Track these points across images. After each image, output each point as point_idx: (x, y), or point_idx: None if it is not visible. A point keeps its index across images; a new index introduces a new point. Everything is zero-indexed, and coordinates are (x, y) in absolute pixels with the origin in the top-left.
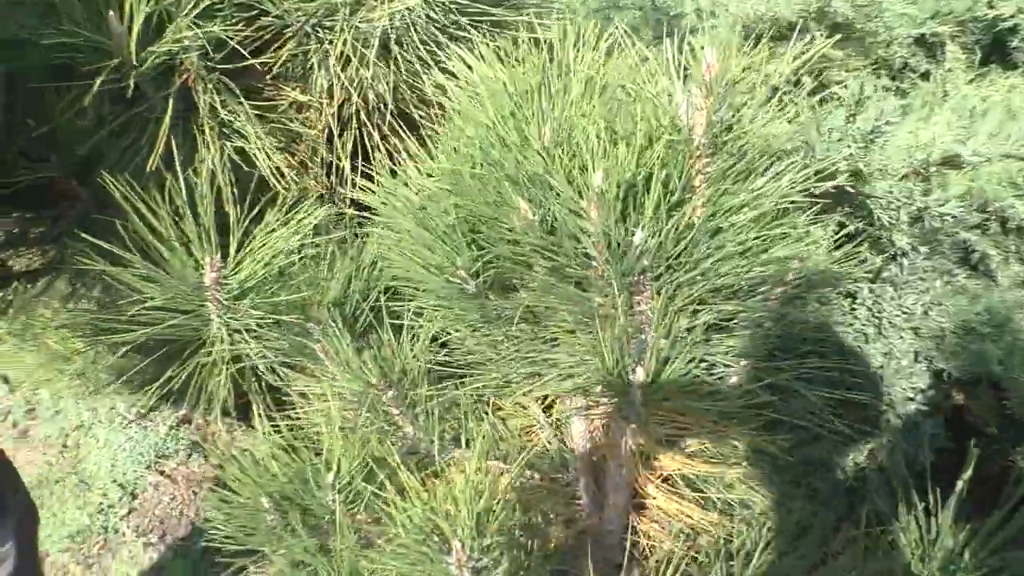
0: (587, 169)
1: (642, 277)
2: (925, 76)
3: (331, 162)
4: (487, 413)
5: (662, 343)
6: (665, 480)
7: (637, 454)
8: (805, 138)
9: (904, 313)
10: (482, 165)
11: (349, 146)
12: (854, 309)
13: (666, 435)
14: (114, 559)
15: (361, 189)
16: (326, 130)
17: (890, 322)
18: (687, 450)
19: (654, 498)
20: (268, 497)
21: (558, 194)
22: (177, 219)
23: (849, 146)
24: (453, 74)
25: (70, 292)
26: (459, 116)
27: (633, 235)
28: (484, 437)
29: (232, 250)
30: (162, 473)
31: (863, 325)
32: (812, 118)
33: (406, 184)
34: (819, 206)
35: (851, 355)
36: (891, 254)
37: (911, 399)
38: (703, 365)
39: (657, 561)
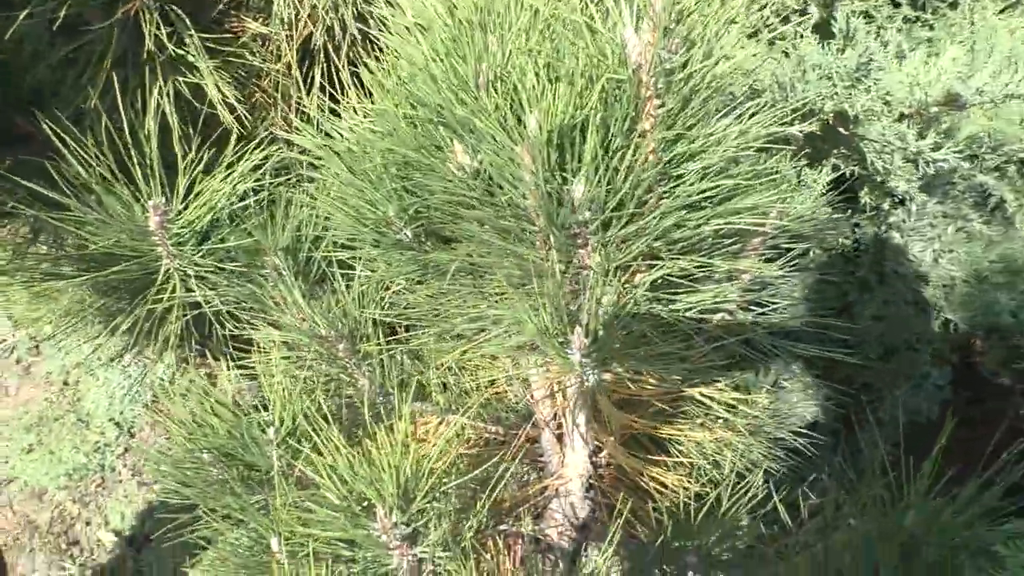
0: (524, 111)
1: (583, 231)
2: (953, 5)
3: (296, 100)
4: (450, 366)
5: (602, 301)
6: (630, 440)
7: (595, 412)
8: (778, 77)
9: (910, 261)
10: (414, 106)
11: (318, 80)
12: (857, 257)
13: (627, 395)
14: (109, 497)
15: (296, 131)
16: (289, 65)
17: (895, 271)
18: (651, 410)
19: (614, 458)
20: (209, 452)
21: (494, 139)
22: (125, 159)
23: (835, 84)
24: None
25: (32, 233)
26: (393, 52)
27: (571, 185)
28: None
29: (180, 192)
30: (159, 412)
31: (865, 274)
32: (792, 53)
33: (339, 128)
34: (805, 150)
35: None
36: (898, 198)
37: (915, 350)
38: (657, 324)
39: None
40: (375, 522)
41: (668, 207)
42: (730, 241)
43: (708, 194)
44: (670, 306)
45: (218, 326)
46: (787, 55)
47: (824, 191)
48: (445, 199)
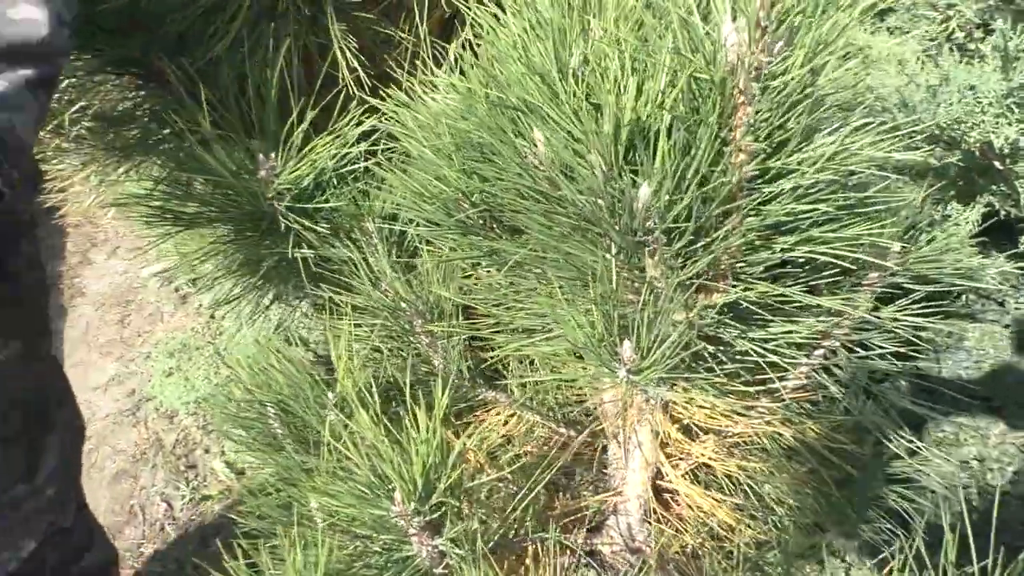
0: (600, 105)
1: (647, 238)
2: None
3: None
4: (532, 360)
5: (658, 317)
6: (699, 470)
7: (658, 435)
8: (904, 95)
9: None
10: (498, 87)
11: (451, 54)
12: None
13: (697, 421)
14: None
15: (386, 98)
16: (419, 37)
17: None
18: (728, 443)
19: (676, 484)
20: (273, 406)
21: (566, 129)
22: (247, 112)
23: (983, 111)
24: None
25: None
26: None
27: (638, 187)
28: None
29: (291, 149)
30: (224, 360)
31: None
32: (927, 70)
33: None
34: (958, 183)
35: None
36: None
37: None
38: (725, 349)
39: (676, 552)
40: (394, 505)
41: (749, 226)
42: (831, 273)
43: (799, 218)
44: (748, 334)
45: (311, 284)
46: (922, 69)
47: (973, 230)
48: (511, 186)
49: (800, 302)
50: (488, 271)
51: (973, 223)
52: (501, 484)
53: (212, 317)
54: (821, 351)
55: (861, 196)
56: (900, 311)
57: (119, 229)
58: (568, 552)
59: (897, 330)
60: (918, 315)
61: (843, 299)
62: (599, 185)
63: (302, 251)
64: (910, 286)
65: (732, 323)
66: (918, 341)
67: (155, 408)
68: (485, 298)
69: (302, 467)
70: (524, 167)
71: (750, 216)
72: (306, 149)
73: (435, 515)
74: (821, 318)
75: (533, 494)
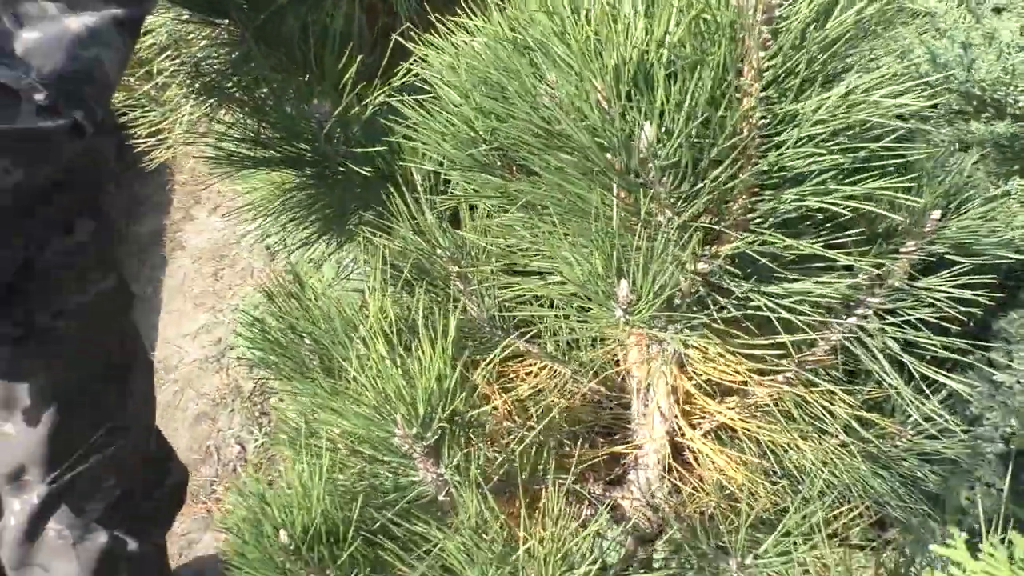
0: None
1: (649, 179)
2: None
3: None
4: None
5: (655, 258)
6: (721, 430)
7: (678, 391)
8: (935, 51)
9: None
10: (515, 29)
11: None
12: None
13: (714, 379)
14: None
15: (426, 44)
16: None
17: None
18: (749, 402)
19: (693, 442)
20: (307, 337)
21: (571, 67)
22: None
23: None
24: None
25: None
26: None
27: (642, 128)
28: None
29: (347, 96)
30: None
31: None
32: (967, 28)
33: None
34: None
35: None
36: None
37: None
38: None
39: (695, 511)
40: (397, 428)
41: (755, 172)
42: (856, 233)
43: (812, 168)
44: (763, 288)
45: (357, 228)
46: (956, 22)
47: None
48: (524, 125)
49: (816, 256)
50: (505, 213)
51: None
52: (523, 431)
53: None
54: (853, 319)
55: (885, 151)
56: (942, 283)
57: (222, 189)
58: (585, 502)
59: (936, 302)
60: (961, 287)
61: (866, 258)
62: (598, 122)
63: (351, 194)
64: (954, 258)
65: (738, 273)
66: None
67: (236, 357)
68: (504, 241)
69: (327, 393)
70: (533, 105)
71: (759, 163)
72: (363, 94)
73: (435, 440)
74: (847, 280)
75: (537, 433)
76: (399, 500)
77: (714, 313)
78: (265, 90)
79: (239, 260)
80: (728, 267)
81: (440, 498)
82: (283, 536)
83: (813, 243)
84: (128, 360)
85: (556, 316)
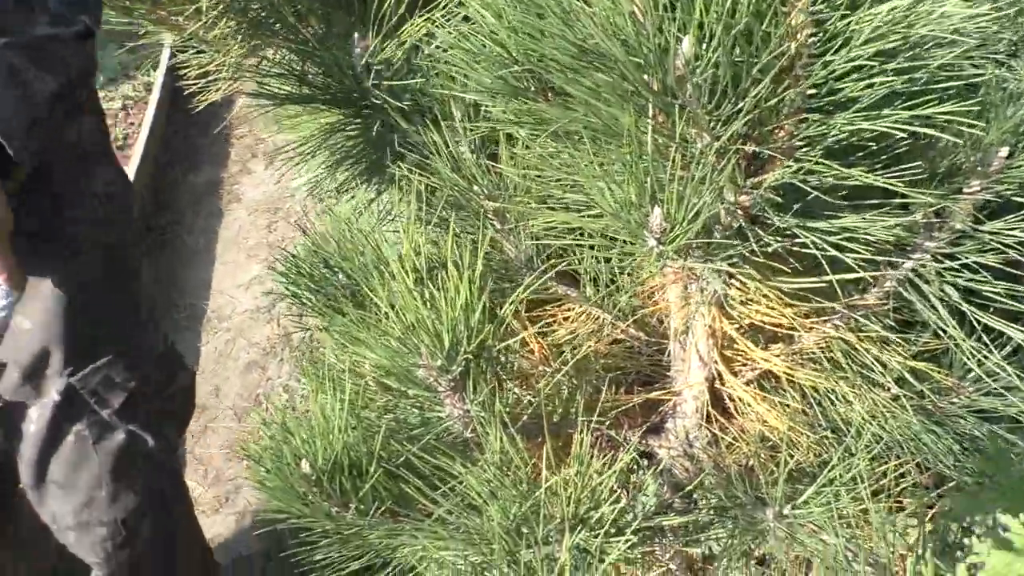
0: None
1: (687, 100)
2: None
3: None
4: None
5: (692, 184)
6: (764, 377)
7: (717, 335)
8: None
9: None
10: None
11: None
12: None
13: (756, 322)
14: None
15: None
16: None
17: None
18: (792, 346)
19: (734, 389)
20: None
21: None
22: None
23: None
24: None
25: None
26: None
27: (680, 42)
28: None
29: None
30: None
31: None
32: None
33: None
34: None
35: None
36: None
37: None
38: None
39: (734, 462)
40: (422, 360)
41: (800, 92)
42: (913, 167)
43: (862, 91)
44: (808, 223)
45: (398, 166)
46: None
47: None
48: (559, 44)
49: (869, 191)
50: (536, 143)
51: None
52: (555, 374)
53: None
54: (909, 263)
55: (946, 74)
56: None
57: (278, 142)
58: (620, 448)
59: (1002, 247)
60: None
61: (926, 194)
62: (632, 37)
63: (390, 132)
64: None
65: (782, 204)
66: None
67: (287, 307)
68: (539, 174)
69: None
70: (567, 21)
71: (805, 83)
72: (406, 31)
73: (459, 373)
74: (903, 219)
75: (569, 376)
76: (424, 436)
77: (754, 246)
78: (311, 28)
79: (292, 213)
80: (771, 197)
81: (467, 435)
82: (304, 466)
83: (867, 174)
84: (137, 266)
85: (591, 247)
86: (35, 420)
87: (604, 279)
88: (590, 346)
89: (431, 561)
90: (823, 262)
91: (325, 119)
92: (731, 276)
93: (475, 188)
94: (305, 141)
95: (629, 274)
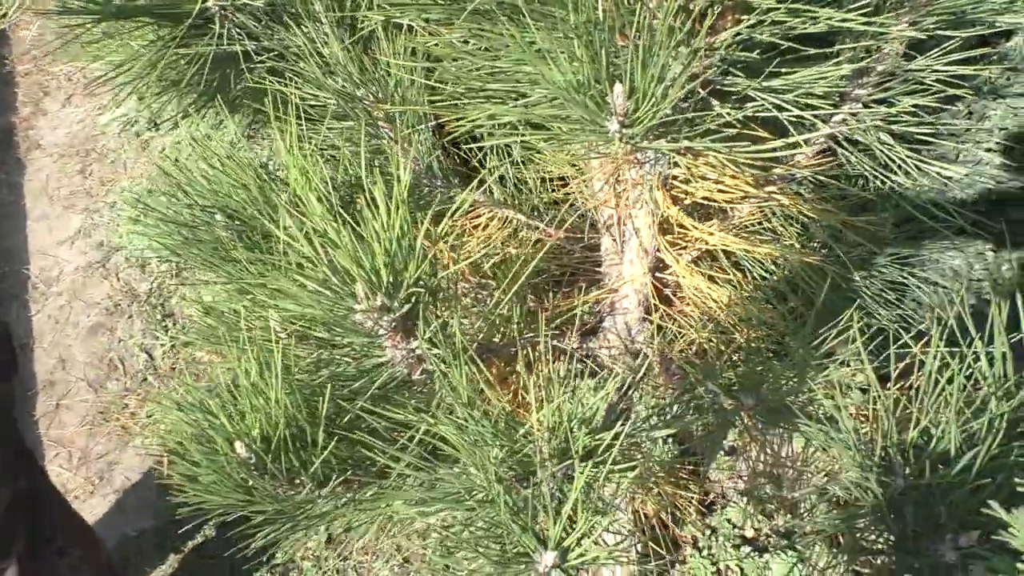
0: None
1: None
2: None
3: None
4: (508, 152)
5: (653, 51)
6: (704, 258)
7: (657, 217)
8: None
9: None
10: None
11: None
12: None
13: (701, 200)
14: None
15: None
16: None
17: None
18: (731, 221)
19: (677, 275)
20: (222, 212)
21: None
22: None
23: None
24: None
25: None
26: None
27: None
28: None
29: None
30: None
31: None
32: None
33: None
34: None
35: None
36: None
37: None
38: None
39: (680, 351)
40: (357, 303)
41: None
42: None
43: None
44: (763, 82)
45: (253, 79)
46: None
47: None
48: None
49: (814, 40)
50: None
51: None
52: (483, 291)
53: (176, 161)
54: (840, 116)
55: None
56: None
57: (72, 76)
58: (563, 356)
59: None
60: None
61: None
62: None
63: (241, 42)
64: (944, 34)
65: (739, 71)
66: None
67: (124, 258)
68: (449, 64)
69: (256, 276)
70: None
71: None
72: None
73: (406, 310)
74: (845, 68)
75: (512, 292)
76: (368, 387)
77: (725, 114)
78: None
79: (107, 153)
80: (732, 56)
81: (415, 377)
82: (240, 448)
83: (814, 14)
84: None
85: (533, 136)
86: None
87: (510, 176)
88: (509, 253)
89: (404, 519)
90: (781, 123)
91: (143, 39)
92: (687, 153)
93: (358, 92)
94: (120, 68)
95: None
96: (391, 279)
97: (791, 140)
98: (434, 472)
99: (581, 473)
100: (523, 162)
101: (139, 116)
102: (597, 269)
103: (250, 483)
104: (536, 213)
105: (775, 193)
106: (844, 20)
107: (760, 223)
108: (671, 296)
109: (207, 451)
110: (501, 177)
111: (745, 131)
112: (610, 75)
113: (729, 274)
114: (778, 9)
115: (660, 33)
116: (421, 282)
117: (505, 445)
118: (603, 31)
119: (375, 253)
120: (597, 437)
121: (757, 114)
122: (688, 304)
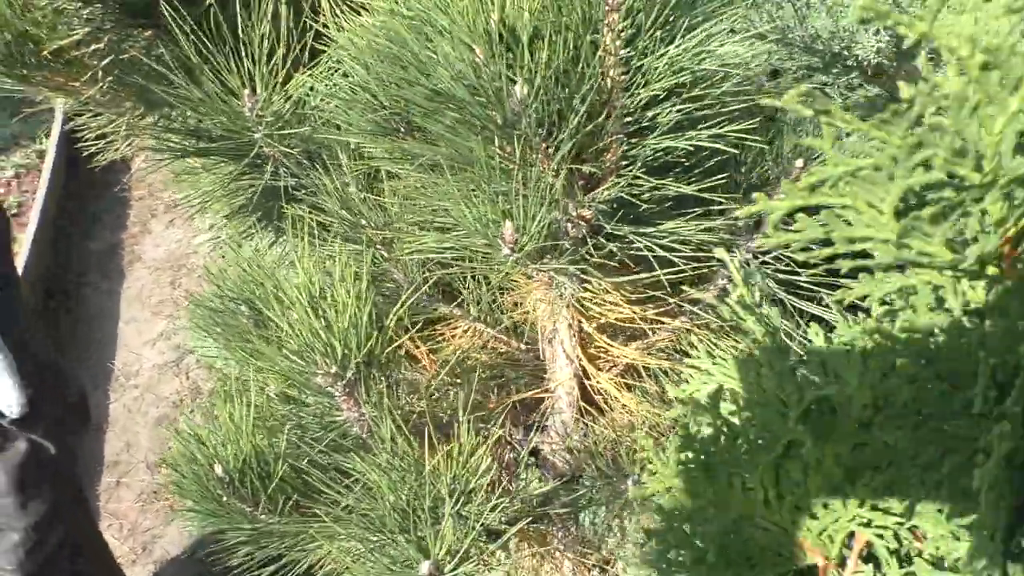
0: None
1: (527, 132)
2: None
3: None
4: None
5: (532, 199)
6: (627, 371)
7: (577, 333)
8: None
9: None
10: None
11: None
12: None
13: (616, 321)
14: None
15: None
16: None
17: None
18: (645, 341)
19: (598, 382)
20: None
21: (451, 34)
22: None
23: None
24: None
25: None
26: None
27: (513, 85)
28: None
29: (275, 86)
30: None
31: None
32: None
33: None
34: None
35: None
36: None
37: None
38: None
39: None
40: (318, 369)
41: (616, 121)
42: (721, 178)
43: (668, 116)
44: (640, 229)
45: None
46: None
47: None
48: (418, 91)
49: (691, 201)
50: (407, 176)
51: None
52: (444, 384)
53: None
54: (736, 262)
55: (732, 98)
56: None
57: (176, 202)
58: (508, 446)
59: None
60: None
61: (730, 196)
62: (475, 82)
63: (285, 179)
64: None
65: (613, 214)
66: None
67: (195, 360)
68: (411, 201)
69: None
70: (423, 71)
71: (625, 117)
72: (294, 83)
73: (351, 376)
74: (715, 222)
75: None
76: (325, 438)
77: (591, 250)
78: (203, 86)
79: (196, 268)
80: (605, 208)
81: (363, 435)
82: (218, 469)
83: (678, 185)
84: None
85: (463, 259)
86: None
87: (485, 298)
88: (477, 358)
89: (338, 553)
90: (654, 264)
91: (222, 171)
92: (582, 279)
93: (362, 222)
94: (204, 194)
95: (501, 289)
96: (344, 354)
97: (655, 275)
98: (360, 502)
99: (453, 503)
100: (500, 288)
101: (226, 237)
102: (544, 375)
103: (224, 498)
104: (506, 330)
105: (679, 323)
106: (705, 189)
107: (673, 345)
108: (602, 403)
109: (193, 468)
110: (478, 298)
111: (634, 267)
112: (504, 213)
113: (646, 384)
114: (643, 179)
115: (536, 191)
116: (370, 358)
117: (410, 483)
118: (499, 183)
119: (333, 332)
120: (478, 481)
121: (640, 252)
122: (616, 412)
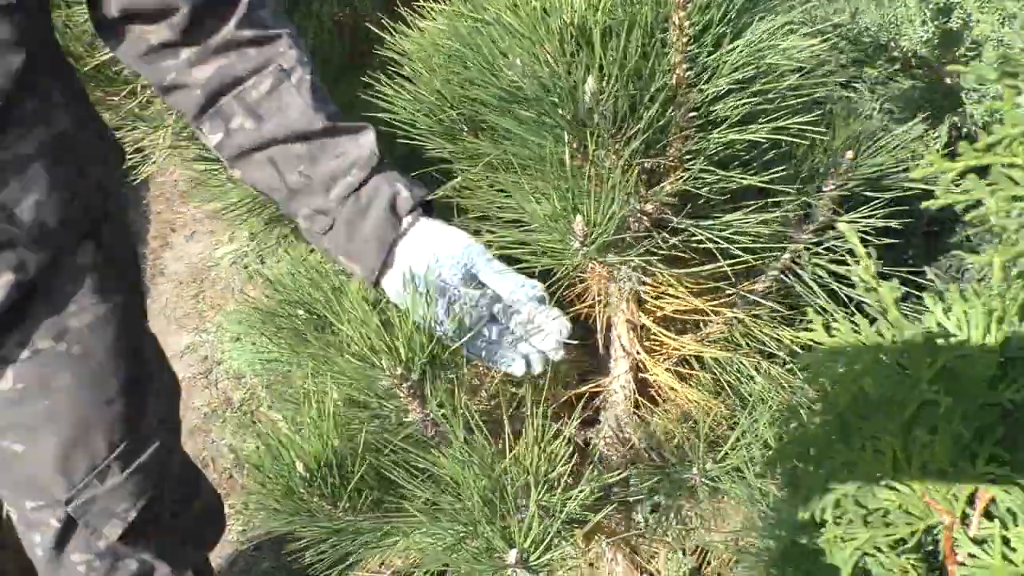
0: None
1: (598, 128)
2: None
3: None
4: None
5: (605, 194)
6: (681, 363)
7: (637, 327)
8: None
9: None
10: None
11: None
12: None
13: (671, 312)
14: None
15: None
16: None
17: None
18: (701, 333)
19: (656, 376)
20: (302, 307)
21: (528, 36)
22: None
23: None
24: None
25: None
26: None
27: (585, 82)
28: None
29: None
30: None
31: None
32: None
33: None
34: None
35: None
36: None
37: None
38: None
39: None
40: (383, 371)
41: (682, 115)
42: (780, 169)
43: (732, 110)
44: (701, 222)
45: None
46: None
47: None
48: (494, 92)
49: (749, 192)
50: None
51: (941, 143)
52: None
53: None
54: (788, 254)
55: (792, 93)
56: (862, 217)
57: (196, 215)
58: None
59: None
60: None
61: (788, 187)
62: (548, 79)
63: None
64: (870, 194)
65: (678, 207)
66: None
67: (224, 371)
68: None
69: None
70: (493, 71)
71: (691, 112)
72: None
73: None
74: (776, 212)
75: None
76: (397, 436)
77: (659, 242)
78: None
79: (219, 281)
80: (670, 202)
81: (429, 434)
82: (299, 466)
83: (742, 176)
84: (145, 371)
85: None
86: (38, 544)
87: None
88: None
89: (416, 547)
90: (718, 256)
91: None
92: (645, 272)
93: None
94: (234, 207)
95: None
96: (408, 356)
97: (718, 266)
98: (443, 495)
99: (537, 493)
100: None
101: (249, 251)
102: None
103: (304, 495)
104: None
105: (737, 312)
106: (766, 181)
107: (727, 337)
108: (656, 395)
109: (276, 465)
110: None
111: (694, 258)
112: (574, 208)
113: (701, 376)
114: (709, 172)
115: (606, 185)
116: (433, 359)
117: (493, 476)
118: (569, 178)
119: (397, 336)
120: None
121: (700, 245)
122: (670, 403)
